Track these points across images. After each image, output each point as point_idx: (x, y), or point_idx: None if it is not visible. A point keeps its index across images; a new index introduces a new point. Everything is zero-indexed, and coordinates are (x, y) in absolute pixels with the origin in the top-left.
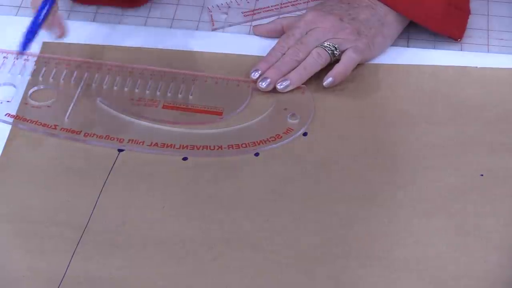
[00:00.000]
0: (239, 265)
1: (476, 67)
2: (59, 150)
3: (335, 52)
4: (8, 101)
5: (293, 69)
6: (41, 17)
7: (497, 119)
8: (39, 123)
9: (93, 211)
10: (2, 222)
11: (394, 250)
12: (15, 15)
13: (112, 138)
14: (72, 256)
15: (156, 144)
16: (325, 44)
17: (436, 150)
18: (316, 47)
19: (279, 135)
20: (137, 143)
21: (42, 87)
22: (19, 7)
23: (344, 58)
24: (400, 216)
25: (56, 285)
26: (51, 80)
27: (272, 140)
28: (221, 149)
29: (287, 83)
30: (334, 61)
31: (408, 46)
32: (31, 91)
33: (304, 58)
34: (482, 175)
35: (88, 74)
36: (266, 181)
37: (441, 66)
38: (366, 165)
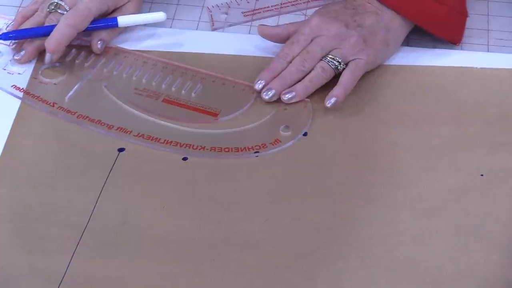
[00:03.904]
0: (238, 265)
1: (476, 67)
2: (60, 149)
3: (339, 67)
4: (19, 74)
5: (298, 79)
6: (38, 32)
7: (497, 119)
8: (41, 99)
9: (93, 211)
10: (2, 222)
11: (394, 250)
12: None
13: (102, 124)
14: (72, 256)
15: (142, 136)
16: (328, 59)
17: (436, 150)
18: (321, 60)
19: (264, 144)
20: (124, 132)
21: (57, 65)
22: (19, 7)
23: (344, 78)
24: (400, 216)
25: (56, 285)
26: (66, 59)
27: (257, 149)
28: (203, 150)
29: (293, 95)
30: (338, 74)
31: (408, 46)
32: (44, 67)
33: (310, 68)
34: (482, 175)
35: (104, 59)
36: (265, 181)
37: (441, 66)
38: (366, 165)
